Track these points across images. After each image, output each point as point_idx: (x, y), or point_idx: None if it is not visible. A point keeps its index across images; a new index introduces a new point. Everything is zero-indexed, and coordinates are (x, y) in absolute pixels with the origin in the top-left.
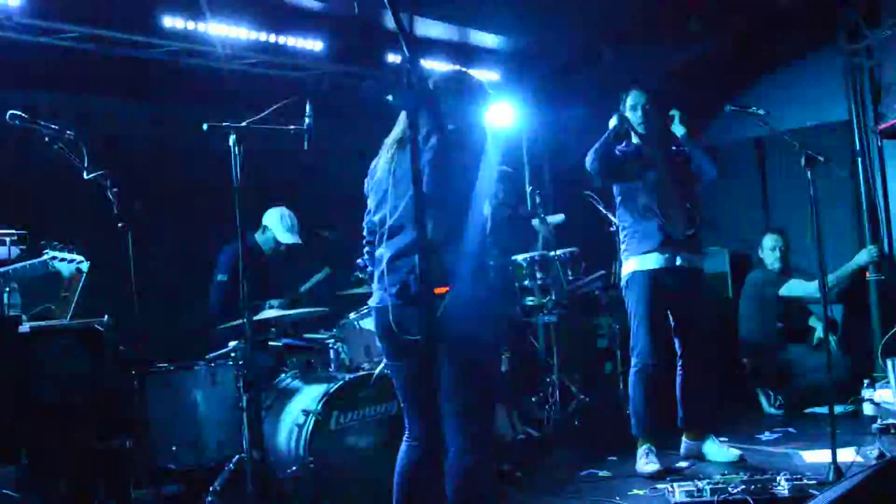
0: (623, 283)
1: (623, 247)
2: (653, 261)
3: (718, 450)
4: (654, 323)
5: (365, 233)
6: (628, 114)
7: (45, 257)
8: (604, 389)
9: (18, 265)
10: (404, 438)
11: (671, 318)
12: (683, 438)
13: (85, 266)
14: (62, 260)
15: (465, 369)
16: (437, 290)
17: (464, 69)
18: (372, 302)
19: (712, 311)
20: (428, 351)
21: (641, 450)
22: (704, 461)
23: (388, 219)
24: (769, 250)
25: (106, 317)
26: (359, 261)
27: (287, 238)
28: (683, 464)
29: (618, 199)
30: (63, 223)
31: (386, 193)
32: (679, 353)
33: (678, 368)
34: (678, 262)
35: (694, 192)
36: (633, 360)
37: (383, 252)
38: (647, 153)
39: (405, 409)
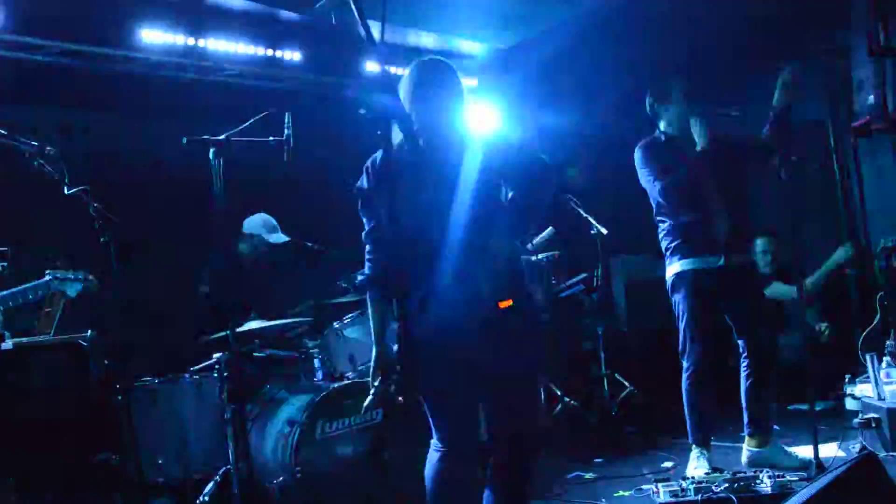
0: (668, 284)
1: (663, 245)
2: (698, 262)
3: (787, 455)
4: (703, 324)
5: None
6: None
7: (46, 279)
8: (589, 392)
9: (17, 289)
10: (435, 447)
11: (729, 320)
12: (745, 446)
13: (92, 285)
14: (64, 280)
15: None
16: (502, 304)
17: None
18: None
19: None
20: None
21: (694, 453)
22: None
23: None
24: (760, 254)
25: (89, 331)
26: None
27: (276, 238)
28: (668, 464)
29: (657, 201)
30: (45, 239)
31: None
32: (743, 355)
33: (742, 371)
34: (722, 262)
35: (734, 186)
36: (685, 364)
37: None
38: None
39: (430, 412)
